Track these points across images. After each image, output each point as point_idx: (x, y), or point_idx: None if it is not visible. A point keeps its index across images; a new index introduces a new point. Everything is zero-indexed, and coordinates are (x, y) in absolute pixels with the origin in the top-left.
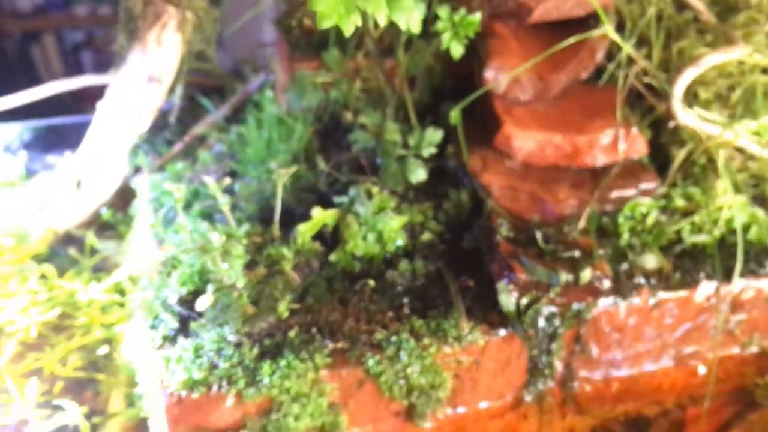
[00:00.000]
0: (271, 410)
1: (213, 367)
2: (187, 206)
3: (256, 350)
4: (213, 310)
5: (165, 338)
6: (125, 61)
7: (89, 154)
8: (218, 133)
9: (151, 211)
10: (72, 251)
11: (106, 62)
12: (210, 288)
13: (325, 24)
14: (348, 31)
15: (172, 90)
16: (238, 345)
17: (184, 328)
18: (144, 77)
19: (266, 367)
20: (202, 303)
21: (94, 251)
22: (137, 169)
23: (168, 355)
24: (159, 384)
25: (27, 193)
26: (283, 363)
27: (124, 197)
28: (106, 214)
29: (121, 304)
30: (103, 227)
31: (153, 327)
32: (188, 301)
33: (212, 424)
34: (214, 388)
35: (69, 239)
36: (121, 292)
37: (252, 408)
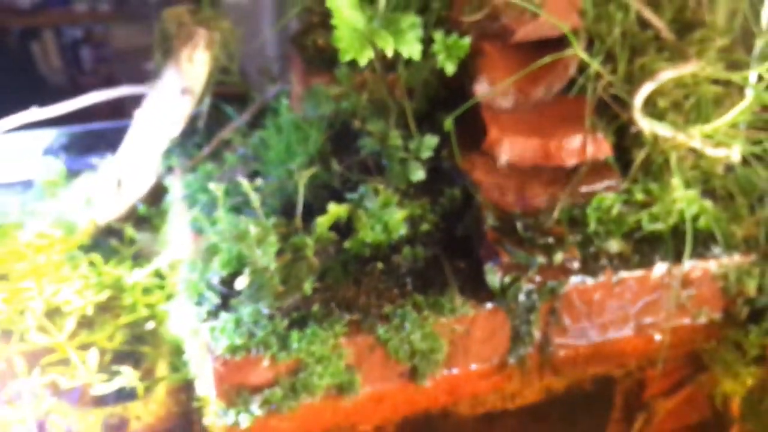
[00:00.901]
0: (298, 370)
1: (251, 335)
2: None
3: (285, 321)
4: (249, 289)
5: (209, 313)
6: (161, 76)
7: (128, 156)
8: (242, 138)
9: (186, 207)
10: (113, 242)
11: (104, 58)
12: (246, 271)
13: (347, 57)
14: (363, 62)
15: (200, 100)
16: (271, 317)
17: (225, 305)
18: (178, 90)
19: (295, 335)
20: (241, 283)
21: (132, 242)
22: (169, 169)
23: (213, 326)
24: (206, 350)
25: (73, 190)
26: (308, 331)
27: (156, 194)
28: (141, 209)
29: (161, 287)
30: (139, 221)
31: (198, 304)
32: (228, 282)
33: (251, 382)
34: (253, 352)
35: (109, 231)
36: (161, 277)
37: (283, 368)
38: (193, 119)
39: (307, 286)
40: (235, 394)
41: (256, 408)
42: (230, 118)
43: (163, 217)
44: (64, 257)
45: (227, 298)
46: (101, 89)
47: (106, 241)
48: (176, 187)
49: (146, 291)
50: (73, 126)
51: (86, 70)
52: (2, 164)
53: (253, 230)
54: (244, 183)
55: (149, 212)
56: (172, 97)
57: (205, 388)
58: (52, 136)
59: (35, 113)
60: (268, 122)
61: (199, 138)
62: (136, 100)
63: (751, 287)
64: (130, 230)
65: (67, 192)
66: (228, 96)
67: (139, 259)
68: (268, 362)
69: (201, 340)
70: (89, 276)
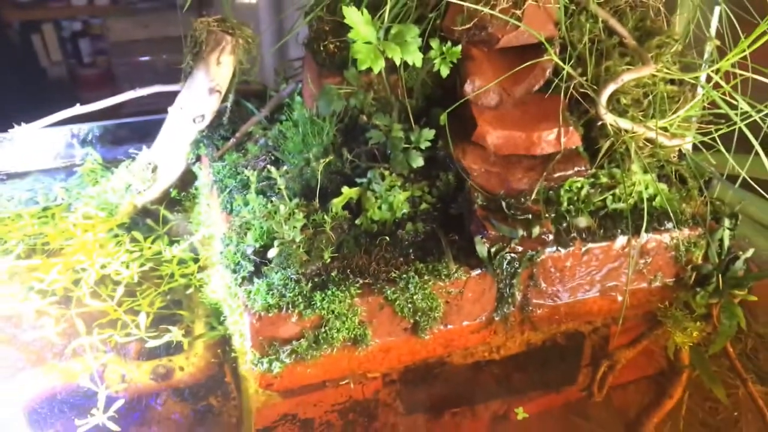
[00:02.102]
0: (321, 325)
1: (281, 296)
2: (246, 186)
3: (309, 285)
4: (278, 258)
5: (244, 278)
6: (192, 76)
7: (162, 146)
8: (262, 131)
9: (216, 191)
10: (149, 221)
11: (102, 50)
12: (276, 243)
13: (363, 66)
14: (377, 70)
15: (225, 97)
16: (297, 281)
17: (257, 272)
18: (206, 89)
19: (317, 295)
20: (271, 253)
21: (165, 221)
22: (197, 158)
23: (249, 289)
24: (244, 309)
25: (114, 176)
26: (329, 292)
27: (185, 180)
28: (173, 192)
29: (195, 260)
30: (171, 203)
31: (235, 271)
32: (259, 253)
33: (281, 335)
34: (283, 310)
35: (145, 212)
36: (194, 251)
37: (308, 323)
38: (219, 114)
39: (327, 256)
40: (268, 345)
41: (285, 357)
42: (251, 113)
43: (192, 200)
44: (108, 235)
45: (259, 266)
46: (134, 86)
47: (143, 221)
48: (204, 173)
49: (181, 263)
50: (105, 121)
51: (85, 62)
52: (46, 153)
53: (282, 209)
54: (273, 170)
55: (180, 196)
56: (201, 94)
57: (242, 342)
58: (86, 128)
59: (79, 109)
60: (284, 117)
61: (224, 131)
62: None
63: (697, 256)
64: (164, 211)
65: (106, 178)
66: (248, 93)
67: (172, 236)
68: (295, 318)
69: (238, 301)
70: (132, 251)
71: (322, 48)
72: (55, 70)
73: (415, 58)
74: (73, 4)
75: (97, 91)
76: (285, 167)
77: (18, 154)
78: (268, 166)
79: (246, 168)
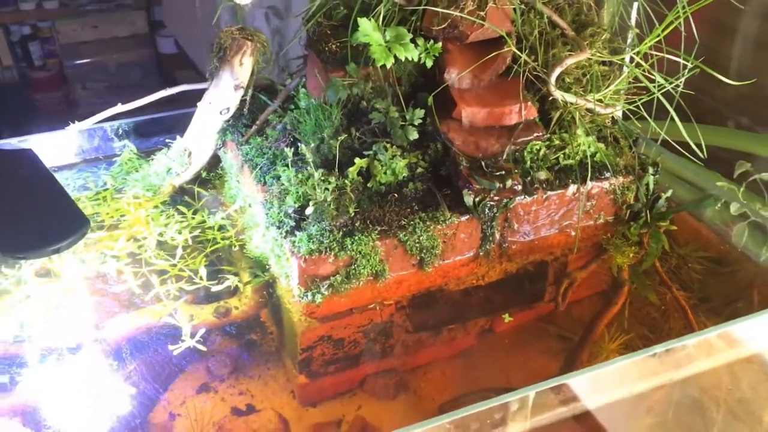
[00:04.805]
0: (351, 263)
1: (320, 242)
2: (273, 162)
3: (340, 233)
4: (314, 215)
5: (287, 232)
6: (218, 76)
7: (193, 135)
8: (278, 118)
9: (249, 168)
10: (186, 198)
11: (52, 53)
12: (311, 203)
13: (379, 63)
14: (389, 64)
15: (245, 92)
16: (331, 231)
17: (298, 226)
18: (232, 86)
19: (348, 240)
20: (308, 211)
21: (200, 197)
22: (223, 144)
23: (293, 240)
24: (290, 254)
25: (154, 162)
26: (356, 238)
27: (210, 163)
28: (204, 173)
29: (233, 225)
30: (202, 182)
31: (279, 227)
32: (298, 212)
33: (321, 273)
34: (322, 253)
35: (182, 191)
36: (231, 219)
37: (341, 262)
38: (240, 105)
39: (351, 211)
40: (311, 282)
41: (324, 290)
42: (266, 104)
43: (221, 179)
44: (156, 211)
45: (299, 222)
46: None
47: (182, 198)
48: (231, 156)
49: (221, 228)
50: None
51: (36, 65)
52: (89, 148)
53: (317, 176)
54: (304, 147)
55: (209, 176)
56: (228, 91)
57: (288, 281)
58: (115, 124)
59: (120, 108)
60: (292, 106)
61: (245, 119)
62: None
63: (630, 198)
64: (198, 189)
65: (146, 165)
66: (258, 87)
67: (209, 209)
68: (332, 259)
69: (284, 250)
70: (180, 221)
71: (326, 48)
72: (6, 74)
73: (413, 55)
74: (22, 9)
75: (50, 93)
76: (302, 145)
77: (66, 149)
78: (287, 147)
79: (270, 149)
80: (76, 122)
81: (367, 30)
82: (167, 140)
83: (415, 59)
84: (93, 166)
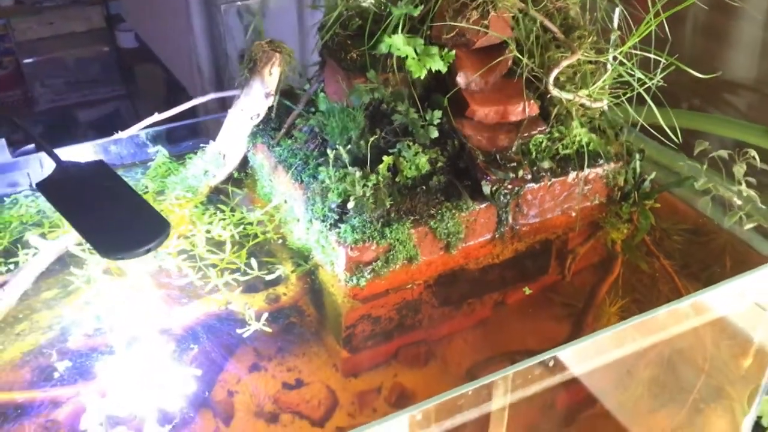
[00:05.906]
0: (389, 250)
1: (363, 232)
2: (306, 162)
3: (379, 223)
4: (355, 208)
5: (331, 225)
6: (249, 85)
7: (226, 139)
8: (304, 121)
9: (283, 169)
10: (222, 197)
11: (8, 50)
12: (351, 198)
13: (416, 75)
14: (422, 76)
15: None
16: (371, 222)
17: (341, 219)
18: (263, 94)
19: (386, 229)
20: (350, 205)
21: (235, 196)
22: (253, 146)
23: (338, 231)
24: (337, 244)
25: (190, 165)
26: (393, 227)
27: (241, 164)
28: (236, 174)
29: (270, 221)
30: (234, 182)
31: (323, 221)
32: (339, 206)
33: (364, 259)
34: (366, 242)
35: (218, 191)
36: (268, 214)
37: (381, 249)
38: (268, 110)
39: (387, 203)
40: (356, 267)
41: (367, 274)
42: (288, 108)
43: (252, 179)
44: (198, 210)
45: (341, 215)
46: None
47: (218, 197)
48: (261, 157)
49: (259, 224)
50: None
51: None
52: (126, 154)
53: (357, 174)
54: (341, 149)
55: (240, 176)
56: (258, 98)
57: (332, 268)
58: (144, 133)
59: (158, 116)
60: (314, 109)
61: (273, 124)
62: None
63: (620, 181)
64: (232, 188)
65: (181, 168)
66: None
67: (243, 206)
68: (374, 247)
69: (330, 241)
70: (223, 218)
71: (347, 56)
72: None
73: (441, 67)
74: None
75: (8, 91)
76: (338, 147)
77: (104, 158)
78: (317, 148)
79: (300, 150)
80: (119, 131)
81: (399, 45)
82: (201, 144)
83: (442, 70)
84: (132, 170)
